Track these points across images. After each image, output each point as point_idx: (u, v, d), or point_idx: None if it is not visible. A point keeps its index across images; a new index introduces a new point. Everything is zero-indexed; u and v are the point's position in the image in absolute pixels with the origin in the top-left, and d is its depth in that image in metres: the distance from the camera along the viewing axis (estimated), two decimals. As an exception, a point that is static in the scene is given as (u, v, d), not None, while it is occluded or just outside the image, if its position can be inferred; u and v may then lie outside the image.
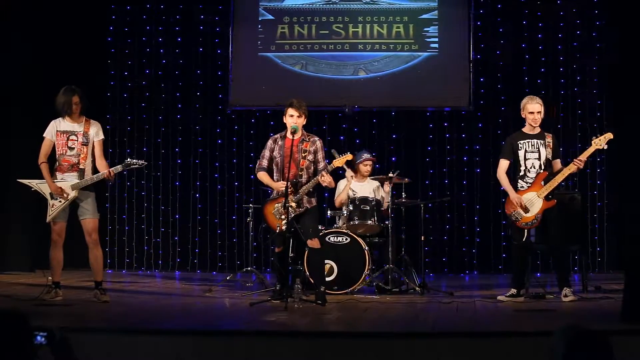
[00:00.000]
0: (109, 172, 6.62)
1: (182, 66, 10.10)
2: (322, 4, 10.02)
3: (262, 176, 6.87)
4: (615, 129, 7.37)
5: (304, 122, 6.81)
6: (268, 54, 10.04)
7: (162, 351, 4.79)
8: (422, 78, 9.88)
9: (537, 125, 6.92)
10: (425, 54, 9.91)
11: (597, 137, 6.79)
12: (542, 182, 6.81)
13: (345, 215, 7.72)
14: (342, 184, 8.15)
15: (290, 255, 6.56)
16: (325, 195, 8.82)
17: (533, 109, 6.91)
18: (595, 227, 9.54)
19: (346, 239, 7.47)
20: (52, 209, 6.62)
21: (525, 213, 6.80)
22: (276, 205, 6.73)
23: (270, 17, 10.07)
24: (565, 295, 6.70)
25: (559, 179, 6.81)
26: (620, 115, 9.42)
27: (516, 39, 9.80)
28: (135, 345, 4.82)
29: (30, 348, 2.88)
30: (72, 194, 6.61)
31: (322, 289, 6.69)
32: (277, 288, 6.77)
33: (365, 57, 9.97)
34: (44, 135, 6.74)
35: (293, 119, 6.72)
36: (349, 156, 6.89)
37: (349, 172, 8.01)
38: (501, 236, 9.64)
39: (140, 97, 10.09)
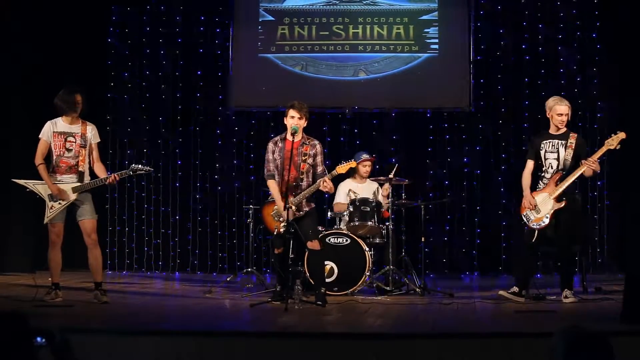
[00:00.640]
0: (114, 177, 6.60)
1: (182, 67, 10.09)
2: (322, 5, 10.02)
3: (271, 185, 6.81)
4: (616, 130, 7.32)
5: (305, 124, 6.80)
6: (268, 55, 10.04)
7: (163, 352, 4.79)
8: (422, 79, 9.88)
9: (563, 127, 6.86)
10: (426, 55, 9.91)
11: (610, 137, 6.71)
12: (556, 183, 6.77)
13: (345, 216, 7.72)
14: (342, 188, 8.12)
15: (291, 256, 6.55)
16: (325, 196, 8.81)
17: (562, 110, 6.82)
18: (595, 228, 9.53)
19: (346, 240, 7.47)
20: (51, 210, 6.60)
21: (537, 214, 6.79)
22: (275, 207, 6.73)
23: (271, 18, 10.07)
24: (566, 297, 6.69)
25: (570, 179, 6.73)
26: (621, 116, 9.42)
27: (516, 40, 9.80)
28: (135, 346, 4.82)
29: (30, 349, 2.87)
30: (73, 196, 6.60)
31: (323, 290, 6.69)
32: (278, 289, 6.77)
33: (365, 58, 9.97)
34: (39, 136, 6.71)
35: (294, 120, 6.71)
36: (352, 163, 6.87)
37: (351, 181, 8.00)
38: (501, 237, 9.64)
39: (140, 98, 10.08)
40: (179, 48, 10.10)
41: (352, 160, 6.93)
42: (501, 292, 6.86)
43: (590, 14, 9.68)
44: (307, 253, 7.00)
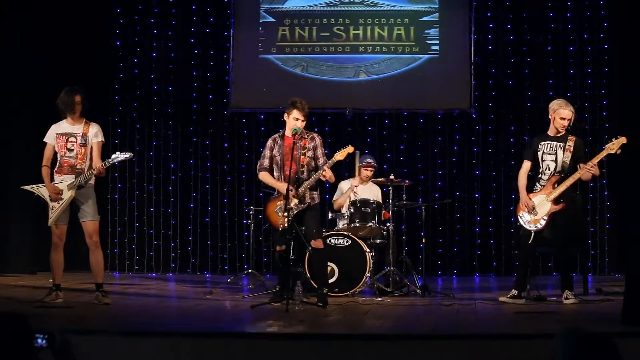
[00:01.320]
0: (99, 168, 6.58)
1: (183, 68, 10.10)
2: (323, 6, 10.02)
3: (264, 176, 6.86)
4: (617, 131, 7.32)
5: (304, 125, 6.83)
6: (269, 56, 10.05)
7: (163, 353, 4.79)
8: (423, 80, 9.89)
9: (564, 131, 6.83)
10: (426, 56, 9.91)
11: (611, 142, 6.65)
12: (554, 185, 6.76)
13: (346, 217, 7.72)
14: (344, 185, 8.16)
15: (292, 257, 6.55)
16: (326, 197, 8.82)
17: (565, 115, 6.77)
18: (596, 229, 9.53)
19: (347, 241, 7.46)
20: (52, 211, 6.62)
21: (534, 215, 6.78)
22: (278, 203, 6.73)
23: (271, 19, 10.07)
24: (567, 298, 6.68)
25: (568, 182, 6.70)
26: (622, 117, 9.42)
27: (517, 41, 9.80)
28: (135, 347, 4.82)
29: (30, 350, 2.87)
30: (68, 193, 6.60)
31: (324, 291, 6.69)
32: (278, 290, 6.76)
33: (366, 60, 9.98)
34: (44, 140, 6.74)
35: (298, 122, 6.73)
36: (350, 149, 6.84)
37: (354, 180, 8.01)
38: (502, 238, 9.64)
39: (141, 99, 10.09)
40: (180, 49, 10.10)
41: (349, 145, 6.89)
42: (501, 298, 6.85)
43: (592, 15, 9.68)
44: (308, 254, 7.01)
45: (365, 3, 9.99)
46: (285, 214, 6.51)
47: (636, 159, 8.82)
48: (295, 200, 6.60)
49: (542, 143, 6.88)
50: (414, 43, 9.93)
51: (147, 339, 4.92)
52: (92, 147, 6.72)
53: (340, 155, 6.78)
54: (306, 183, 6.67)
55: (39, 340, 2.95)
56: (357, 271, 7.35)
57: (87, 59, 9.64)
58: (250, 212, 8.41)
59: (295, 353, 4.78)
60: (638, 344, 4.55)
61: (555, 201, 6.73)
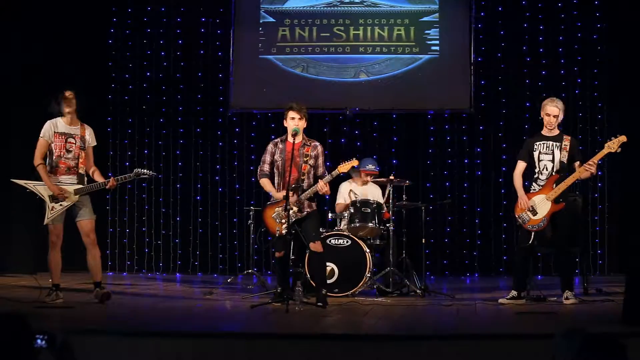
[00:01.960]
0: (113, 182, 6.59)
1: (183, 68, 10.10)
2: (323, 7, 10.02)
3: (264, 183, 6.83)
4: (617, 131, 7.30)
5: (305, 125, 6.79)
6: (269, 56, 10.04)
7: (163, 353, 4.79)
8: (423, 80, 9.88)
9: (552, 128, 6.85)
10: (426, 56, 9.91)
11: (610, 140, 6.65)
12: (554, 185, 6.76)
13: (346, 217, 7.72)
14: (343, 188, 8.14)
15: (292, 257, 6.55)
16: (326, 197, 8.81)
17: (550, 111, 6.82)
18: (596, 229, 9.53)
19: (347, 242, 7.46)
20: (52, 211, 6.59)
21: (533, 216, 6.77)
22: (276, 209, 6.71)
23: (271, 19, 10.07)
24: (567, 298, 6.68)
25: (568, 182, 6.70)
26: (622, 117, 9.42)
27: (517, 41, 9.80)
28: (136, 348, 4.82)
29: (30, 351, 2.87)
30: (75, 198, 6.60)
31: (324, 291, 6.68)
32: (278, 290, 6.76)
33: (366, 60, 9.97)
34: (40, 135, 6.67)
35: (294, 121, 6.71)
36: (354, 162, 6.83)
37: (352, 182, 7.99)
38: (502, 239, 9.64)
39: (141, 99, 10.09)
40: (180, 49, 10.10)
41: (354, 159, 6.89)
42: (501, 300, 6.84)
43: (591, 15, 9.68)
44: (308, 255, 7.00)
45: (365, 3, 9.99)
46: (283, 220, 6.51)
47: (636, 159, 8.84)
48: (295, 209, 6.58)
49: (538, 143, 6.88)
50: (414, 43, 9.93)
51: (147, 339, 4.92)
52: (88, 151, 6.72)
53: (343, 168, 6.76)
54: (303, 195, 6.64)
55: (39, 341, 2.95)
56: (357, 272, 7.35)
57: (84, 58, 9.62)
58: (251, 212, 8.41)
59: (295, 353, 4.78)
60: (638, 344, 4.55)
61: (556, 201, 6.73)
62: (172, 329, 5.45)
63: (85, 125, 6.76)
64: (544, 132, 6.90)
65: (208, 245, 9.98)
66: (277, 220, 6.69)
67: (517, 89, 9.76)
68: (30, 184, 6.70)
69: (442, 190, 9.81)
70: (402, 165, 9.76)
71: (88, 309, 6.36)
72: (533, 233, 6.78)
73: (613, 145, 6.64)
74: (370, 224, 7.57)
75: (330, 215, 8.03)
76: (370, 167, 8.09)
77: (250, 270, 8.38)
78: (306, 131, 6.88)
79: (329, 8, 10.02)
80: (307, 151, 6.72)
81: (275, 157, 6.80)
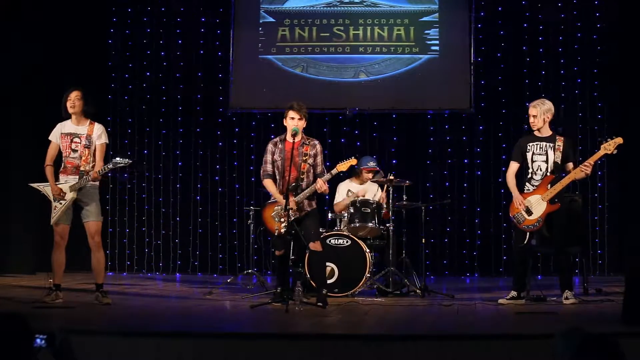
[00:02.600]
0: (95, 173, 6.57)
1: (183, 68, 10.10)
2: (323, 7, 10.02)
3: (268, 184, 6.82)
4: (617, 131, 7.31)
5: (304, 125, 6.79)
6: (269, 56, 10.05)
7: (163, 353, 4.78)
8: (423, 80, 9.89)
9: (536, 128, 6.88)
10: (426, 56, 9.91)
11: (606, 142, 6.65)
12: (548, 186, 6.76)
13: (346, 217, 7.72)
14: (342, 188, 8.14)
15: (292, 257, 6.55)
16: (326, 198, 8.81)
17: (529, 112, 6.94)
18: (596, 229, 9.53)
19: (347, 242, 7.46)
20: (54, 211, 6.64)
21: (528, 216, 6.78)
22: (275, 208, 6.71)
23: (271, 19, 10.07)
24: (567, 298, 6.68)
25: (564, 182, 6.70)
26: (621, 117, 9.42)
27: (517, 41, 9.80)
28: (136, 348, 4.82)
29: (30, 351, 2.87)
30: (70, 195, 6.61)
31: (324, 291, 6.68)
32: (278, 290, 6.76)
33: (366, 60, 9.98)
34: (49, 138, 6.76)
35: (294, 121, 6.71)
36: (353, 161, 6.84)
37: (351, 182, 7.97)
38: (502, 239, 9.64)
39: (140, 99, 10.09)
40: (179, 49, 10.11)
41: (352, 157, 6.90)
42: (500, 300, 6.84)
43: (591, 16, 9.68)
44: (307, 254, 7.00)
45: (365, 3, 9.99)
46: (283, 219, 6.51)
47: (635, 159, 8.84)
48: (294, 207, 6.57)
49: (531, 144, 6.90)
50: (413, 43, 9.93)
51: (147, 339, 4.92)
52: (95, 149, 6.72)
53: (342, 167, 6.77)
54: (302, 194, 6.64)
55: (38, 341, 2.95)
56: (356, 272, 7.35)
57: (83, 58, 9.62)
58: (251, 212, 8.41)
59: (295, 353, 4.78)
60: (638, 344, 4.55)
61: (551, 201, 6.74)
62: (172, 329, 5.45)
63: (96, 124, 6.77)
64: (536, 132, 6.93)
65: (208, 245, 9.98)
66: (276, 219, 6.70)
67: (517, 89, 9.76)
68: (41, 187, 6.78)
69: (442, 190, 9.81)
70: (402, 165, 9.75)
71: (88, 309, 6.36)
72: (529, 233, 6.79)
73: (609, 146, 6.66)
74: (370, 224, 7.57)
75: (330, 215, 8.03)
76: (372, 164, 8.10)
77: (250, 270, 8.38)
78: (306, 131, 6.87)
79: (328, 8, 10.02)
80: (306, 150, 6.72)
81: (275, 156, 6.81)
